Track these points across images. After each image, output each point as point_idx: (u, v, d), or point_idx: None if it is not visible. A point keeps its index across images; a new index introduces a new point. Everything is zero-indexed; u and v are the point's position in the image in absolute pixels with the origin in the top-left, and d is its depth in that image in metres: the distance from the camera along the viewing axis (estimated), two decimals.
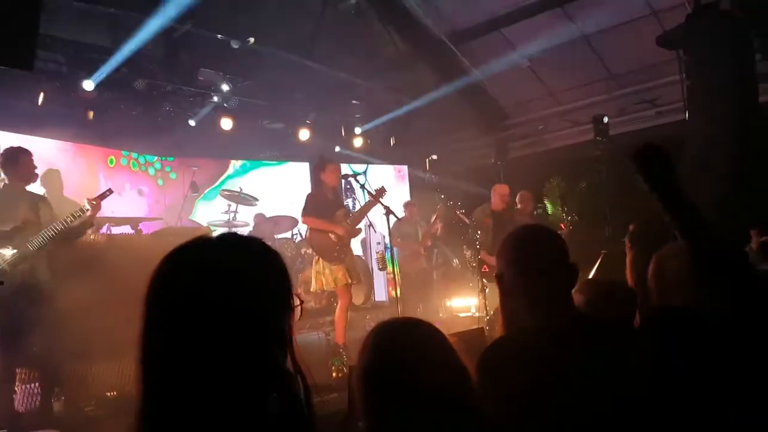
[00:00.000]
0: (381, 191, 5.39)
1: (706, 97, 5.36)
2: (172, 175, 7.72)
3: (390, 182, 8.79)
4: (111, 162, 7.08)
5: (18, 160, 3.91)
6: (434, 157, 8.68)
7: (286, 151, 8.50)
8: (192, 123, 7.16)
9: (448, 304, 7.37)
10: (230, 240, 1.02)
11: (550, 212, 6.50)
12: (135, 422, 0.92)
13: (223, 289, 0.92)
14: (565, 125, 8.58)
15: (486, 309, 5.70)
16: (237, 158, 8.30)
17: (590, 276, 6.07)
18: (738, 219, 4.55)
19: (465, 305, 7.09)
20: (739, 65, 5.31)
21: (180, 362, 0.90)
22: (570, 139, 8.56)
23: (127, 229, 5.21)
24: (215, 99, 7.02)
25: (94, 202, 3.90)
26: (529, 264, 1.56)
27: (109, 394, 4.07)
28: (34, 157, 4.01)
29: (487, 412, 1.29)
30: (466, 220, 6.62)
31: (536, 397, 1.38)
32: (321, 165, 5.42)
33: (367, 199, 5.40)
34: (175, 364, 0.90)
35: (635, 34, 6.83)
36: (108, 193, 4.09)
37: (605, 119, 7.21)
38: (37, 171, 4.06)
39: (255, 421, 0.93)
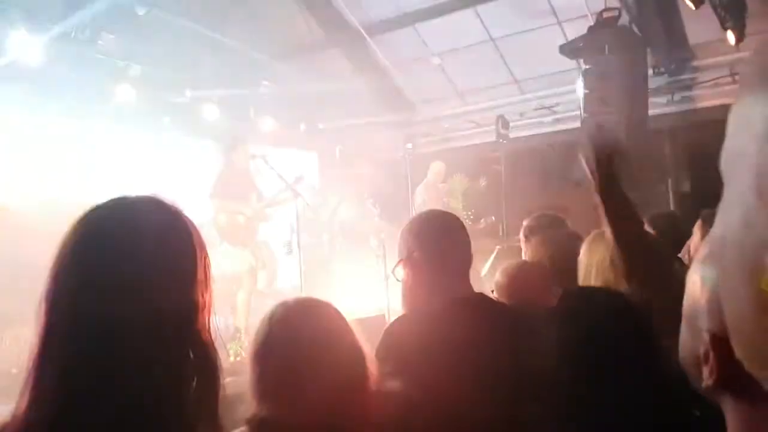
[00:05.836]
0: (299, 179, 5.32)
1: (600, 107, 5.78)
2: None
3: (298, 168, 8.65)
4: None
5: None
6: (340, 147, 8.67)
7: (189, 127, 8.09)
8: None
9: (350, 292, 7.39)
10: (152, 202, 0.98)
11: (460, 206, 6.76)
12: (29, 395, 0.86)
13: (149, 252, 0.90)
14: (468, 126, 8.88)
15: (388, 299, 5.78)
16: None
17: (484, 270, 6.38)
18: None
19: (367, 294, 7.15)
20: (633, 78, 5.76)
21: (94, 328, 0.85)
22: (473, 138, 8.88)
23: None
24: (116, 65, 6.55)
25: None
26: (437, 245, 1.67)
27: None
28: None
29: (386, 389, 1.31)
30: (374, 210, 6.70)
31: (435, 370, 1.42)
32: (233, 145, 5.27)
33: (280, 184, 5.31)
34: (87, 331, 0.85)
35: (540, 41, 7.18)
36: None
37: (508, 122, 7.55)
38: None
39: (170, 387, 0.90)
